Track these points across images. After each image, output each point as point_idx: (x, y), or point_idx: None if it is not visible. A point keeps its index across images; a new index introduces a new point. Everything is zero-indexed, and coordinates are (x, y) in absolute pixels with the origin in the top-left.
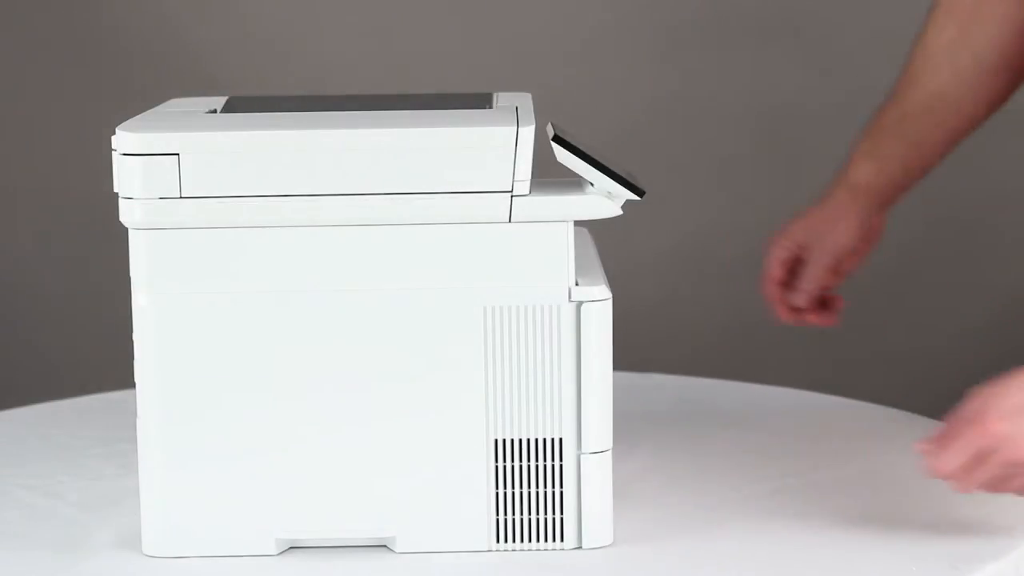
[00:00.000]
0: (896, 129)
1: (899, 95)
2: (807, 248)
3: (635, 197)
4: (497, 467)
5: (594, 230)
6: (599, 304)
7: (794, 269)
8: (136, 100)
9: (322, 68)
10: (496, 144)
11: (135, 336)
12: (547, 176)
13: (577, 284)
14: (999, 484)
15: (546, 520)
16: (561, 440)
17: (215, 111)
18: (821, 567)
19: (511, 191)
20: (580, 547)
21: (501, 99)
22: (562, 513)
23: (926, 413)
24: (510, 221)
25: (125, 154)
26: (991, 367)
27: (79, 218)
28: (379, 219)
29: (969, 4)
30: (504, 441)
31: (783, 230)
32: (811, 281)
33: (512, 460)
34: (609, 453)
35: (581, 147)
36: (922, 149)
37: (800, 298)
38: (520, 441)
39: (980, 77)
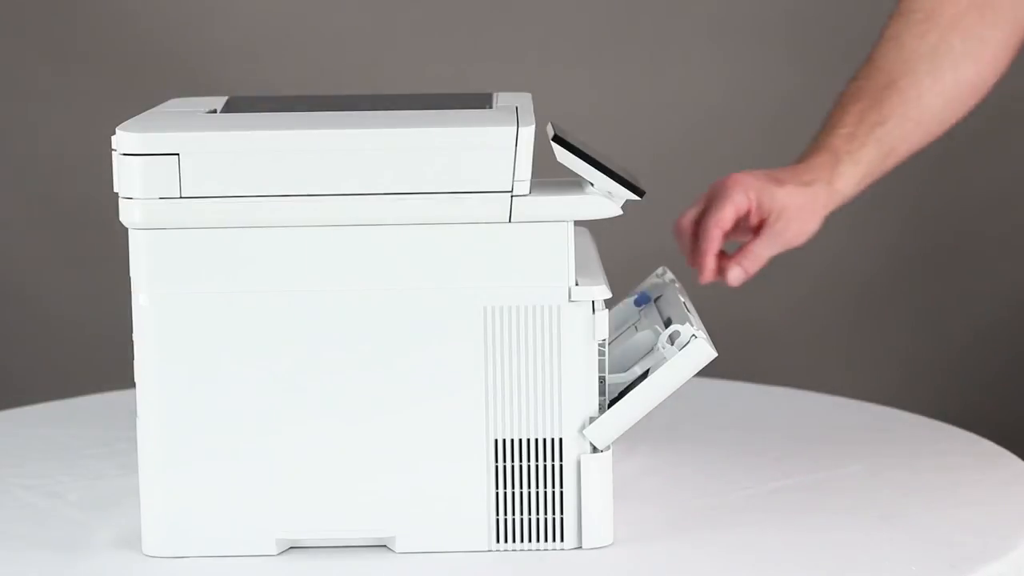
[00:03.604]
0: (875, 134)
1: (878, 95)
2: (757, 214)
3: (635, 197)
4: (497, 467)
5: (594, 230)
6: (599, 304)
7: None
8: (136, 100)
9: (322, 68)
10: (496, 144)
11: (135, 336)
12: (547, 176)
13: (577, 284)
14: None
15: (546, 520)
16: (561, 440)
17: (215, 111)
18: (821, 567)
19: (511, 191)
20: (580, 547)
21: (501, 99)
22: (562, 513)
23: (926, 413)
24: (510, 221)
25: (125, 154)
26: (991, 367)
27: (79, 218)
28: (379, 219)
29: (951, 15)
30: (504, 441)
31: (753, 180)
32: (717, 242)
33: (512, 460)
34: (609, 453)
35: (581, 147)
36: (887, 162)
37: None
38: (520, 441)
39: (956, 93)
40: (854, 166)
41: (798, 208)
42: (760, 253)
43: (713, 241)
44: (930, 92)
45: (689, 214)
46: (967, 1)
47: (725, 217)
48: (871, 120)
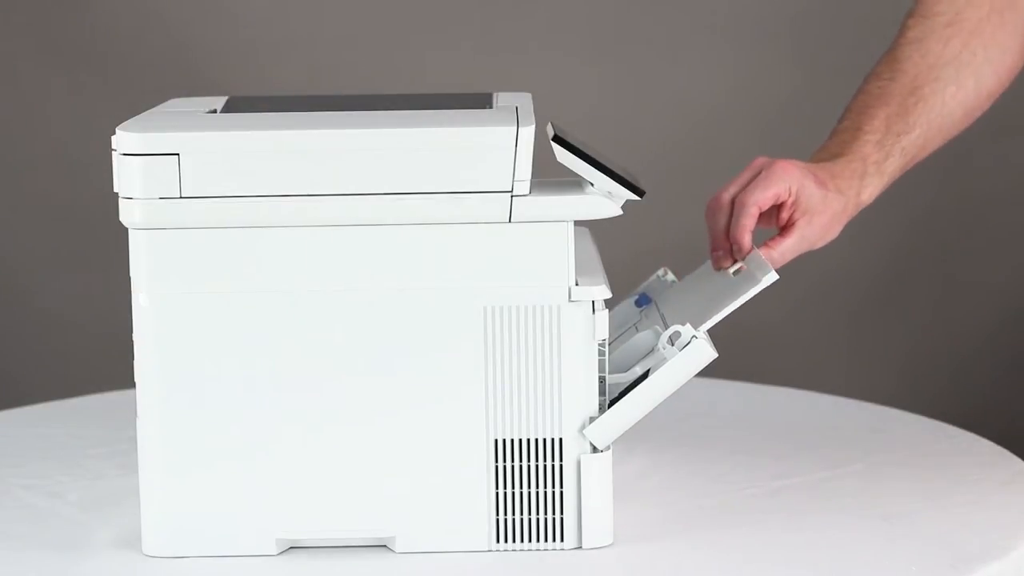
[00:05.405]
0: (901, 143)
1: (903, 102)
2: (789, 210)
3: (635, 197)
4: (497, 467)
5: (594, 230)
6: (599, 304)
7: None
8: (136, 100)
9: (322, 68)
10: (496, 144)
11: (135, 336)
12: (547, 176)
13: (577, 284)
14: None
15: (546, 520)
16: (561, 440)
17: (215, 111)
18: (821, 567)
19: (511, 191)
20: (580, 547)
21: (501, 99)
22: (562, 513)
23: (926, 413)
24: (510, 221)
25: (125, 154)
26: (991, 367)
27: (79, 218)
28: (379, 219)
29: (974, 20)
30: (504, 441)
31: (799, 174)
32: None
33: (512, 460)
34: (609, 453)
35: (581, 147)
36: (904, 170)
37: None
38: (520, 441)
39: (976, 102)
40: (879, 177)
41: (831, 214)
42: (785, 254)
43: (752, 218)
44: (953, 100)
45: (731, 189)
46: (988, 5)
47: (766, 200)
48: (897, 129)
